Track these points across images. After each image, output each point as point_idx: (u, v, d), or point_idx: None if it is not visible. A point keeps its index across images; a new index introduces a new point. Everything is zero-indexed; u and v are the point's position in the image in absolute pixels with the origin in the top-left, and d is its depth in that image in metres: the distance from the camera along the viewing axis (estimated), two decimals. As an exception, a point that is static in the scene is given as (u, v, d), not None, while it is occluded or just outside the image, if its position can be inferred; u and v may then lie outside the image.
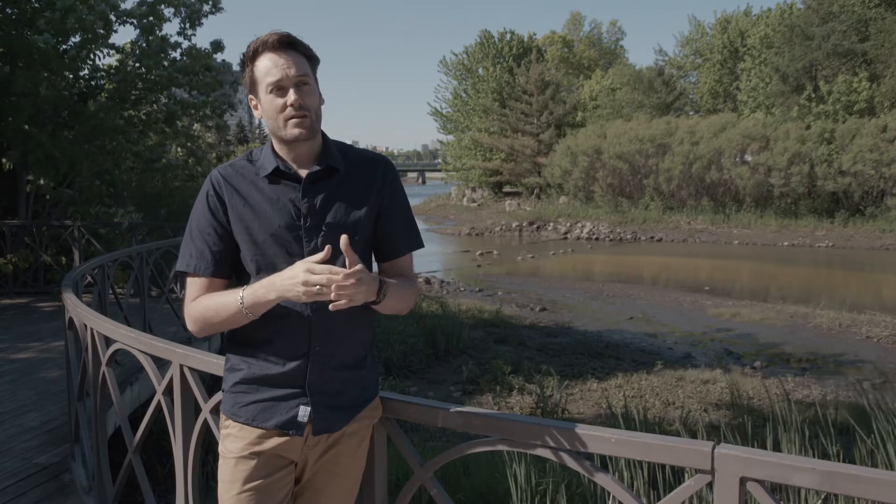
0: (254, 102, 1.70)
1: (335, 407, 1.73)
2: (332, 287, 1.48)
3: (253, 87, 1.68)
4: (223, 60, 12.49)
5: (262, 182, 1.69)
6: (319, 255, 1.51)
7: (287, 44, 1.64)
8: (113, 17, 10.85)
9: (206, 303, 1.67)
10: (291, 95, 1.63)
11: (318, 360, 1.70)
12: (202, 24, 11.95)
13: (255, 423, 1.71)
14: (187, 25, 11.76)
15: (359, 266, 1.52)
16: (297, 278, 1.50)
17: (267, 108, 1.66)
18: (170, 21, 11.58)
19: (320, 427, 1.72)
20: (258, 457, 1.70)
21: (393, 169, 1.81)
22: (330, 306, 1.51)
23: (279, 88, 1.63)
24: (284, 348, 1.69)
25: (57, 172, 10.27)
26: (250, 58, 1.66)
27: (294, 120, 1.63)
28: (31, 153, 9.77)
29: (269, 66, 1.63)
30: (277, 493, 1.72)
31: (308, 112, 1.64)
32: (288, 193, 1.68)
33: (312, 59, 1.69)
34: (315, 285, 1.48)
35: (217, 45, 12.30)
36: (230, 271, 1.73)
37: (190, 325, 1.70)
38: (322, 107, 1.72)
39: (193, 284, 1.71)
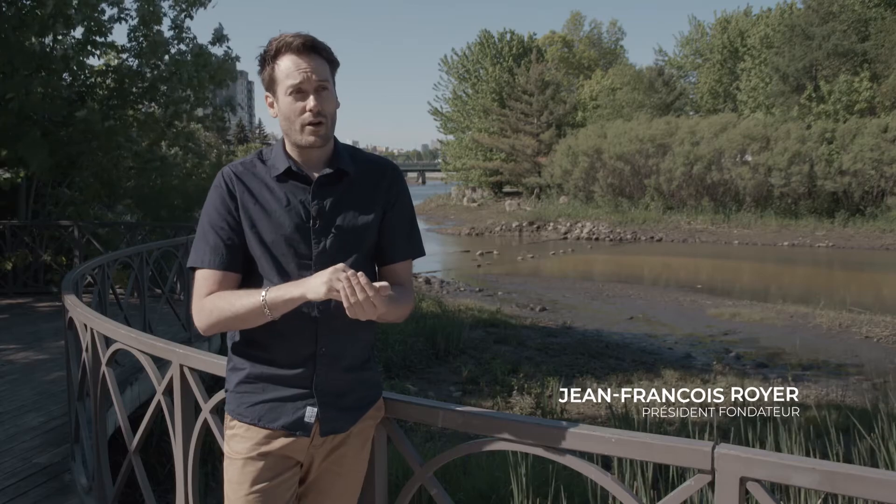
0: (270, 100, 1.70)
1: (342, 407, 1.74)
2: (351, 293, 1.45)
3: (271, 86, 1.67)
4: (227, 50, 12.19)
5: (272, 182, 1.69)
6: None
7: (310, 47, 1.64)
8: (113, 15, 10.79)
9: (223, 297, 1.62)
10: (311, 101, 1.63)
11: (324, 362, 1.70)
12: (193, 17, 11.56)
13: (261, 424, 1.70)
14: (186, 14, 11.43)
15: (385, 283, 1.50)
16: (324, 276, 1.49)
17: (285, 110, 1.65)
18: (166, 15, 11.30)
19: (328, 428, 1.72)
20: (266, 458, 1.70)
21: (401, 175, 1.81)
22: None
23: (299, 92, 1.63)
24: (290, 350, 1.69)
25: (48, 164, 10.19)
26: (272, 56, 1.65)
27: (310, 127, 1.64)
28: (25, 147, 9.71)
29: (290, 69, 1.63)
30: (283, 494, 1.72)
31: (325, 119, 1.65)
32: (298, 195, 1.68)
33: (332, 63, 1.69)
34: (337, 289, 1.47)
35: (219, 35, 11.90)
36: (242, 267, 1.69)
37: (200, 321, 1.65)
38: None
39: (206, 279, 1.65)
